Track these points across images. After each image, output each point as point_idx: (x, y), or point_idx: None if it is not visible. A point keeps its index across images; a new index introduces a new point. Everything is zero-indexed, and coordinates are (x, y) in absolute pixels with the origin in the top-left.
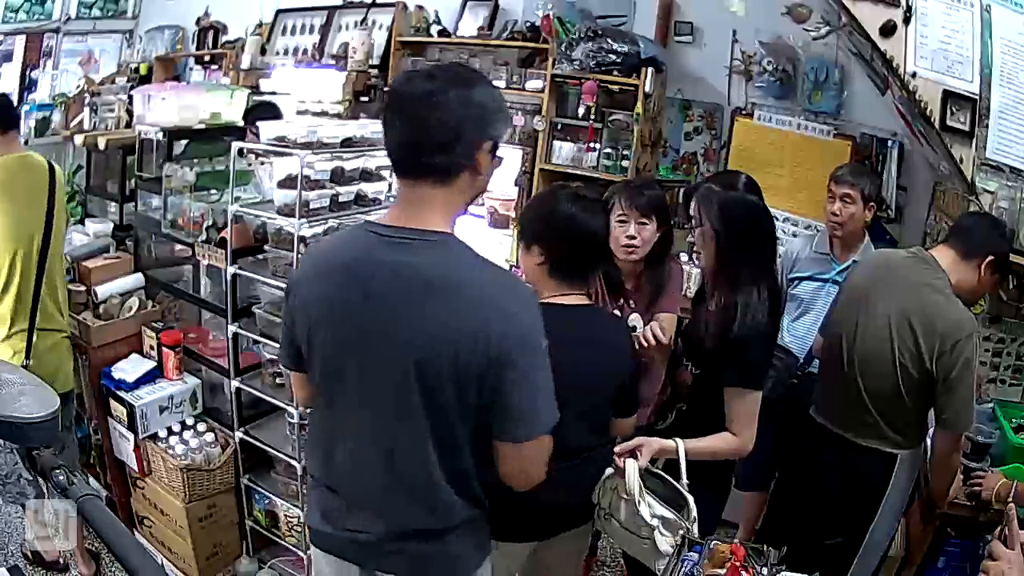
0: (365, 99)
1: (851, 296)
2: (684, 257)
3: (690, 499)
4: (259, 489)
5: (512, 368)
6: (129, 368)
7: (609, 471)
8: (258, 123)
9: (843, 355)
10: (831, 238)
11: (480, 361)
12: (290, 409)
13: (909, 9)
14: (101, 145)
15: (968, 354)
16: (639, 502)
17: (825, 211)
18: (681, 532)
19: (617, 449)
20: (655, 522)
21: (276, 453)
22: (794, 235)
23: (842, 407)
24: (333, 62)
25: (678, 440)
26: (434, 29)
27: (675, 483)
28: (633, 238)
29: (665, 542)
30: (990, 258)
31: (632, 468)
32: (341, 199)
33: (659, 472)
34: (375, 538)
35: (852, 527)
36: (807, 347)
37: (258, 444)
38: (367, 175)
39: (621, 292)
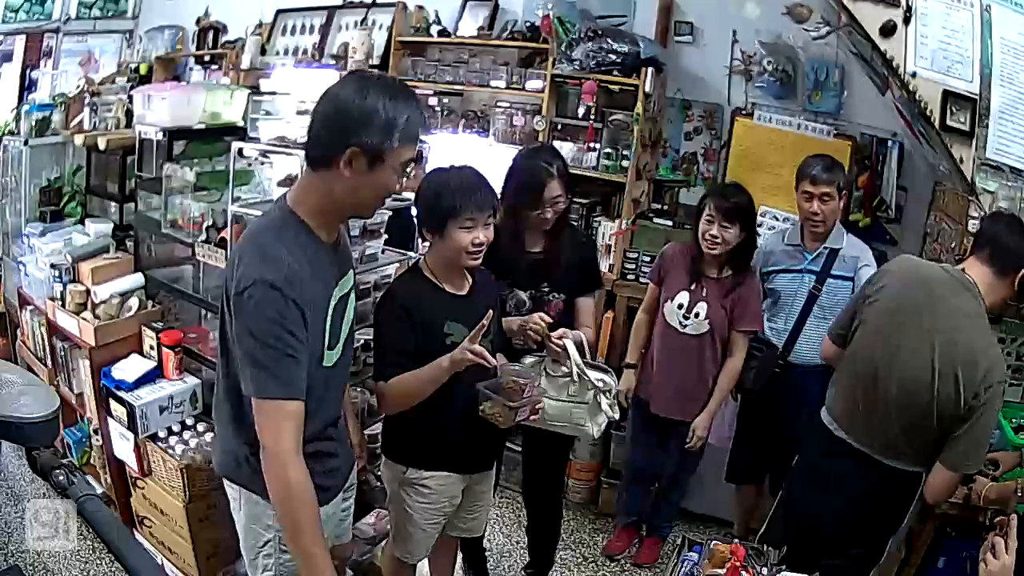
0: None
1: (887, 314)
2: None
3: (609, 369)
4: None
5: (237, 315)
6: (129, 368)
7: (529, 359)
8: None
9: (876, 376)
10: (803, 230)
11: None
12: None
13: (909, 9)
14: (101, 145)
15: (998, 397)
16: (585, 369)
17: (801, 209)
18: (613, 393)
19: (555, 334)
20: (600, 383)
21: None
22: None
23: (867, 425)
24: (333, 62)
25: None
26: (434, 29)
27: (592, 362)
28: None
29: (606, 402)
30: (1023, 272)
31: (572, 345)
32: None
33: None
34: None
35: (874, 540)
36: (784, 338)
37: None
38: None
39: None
